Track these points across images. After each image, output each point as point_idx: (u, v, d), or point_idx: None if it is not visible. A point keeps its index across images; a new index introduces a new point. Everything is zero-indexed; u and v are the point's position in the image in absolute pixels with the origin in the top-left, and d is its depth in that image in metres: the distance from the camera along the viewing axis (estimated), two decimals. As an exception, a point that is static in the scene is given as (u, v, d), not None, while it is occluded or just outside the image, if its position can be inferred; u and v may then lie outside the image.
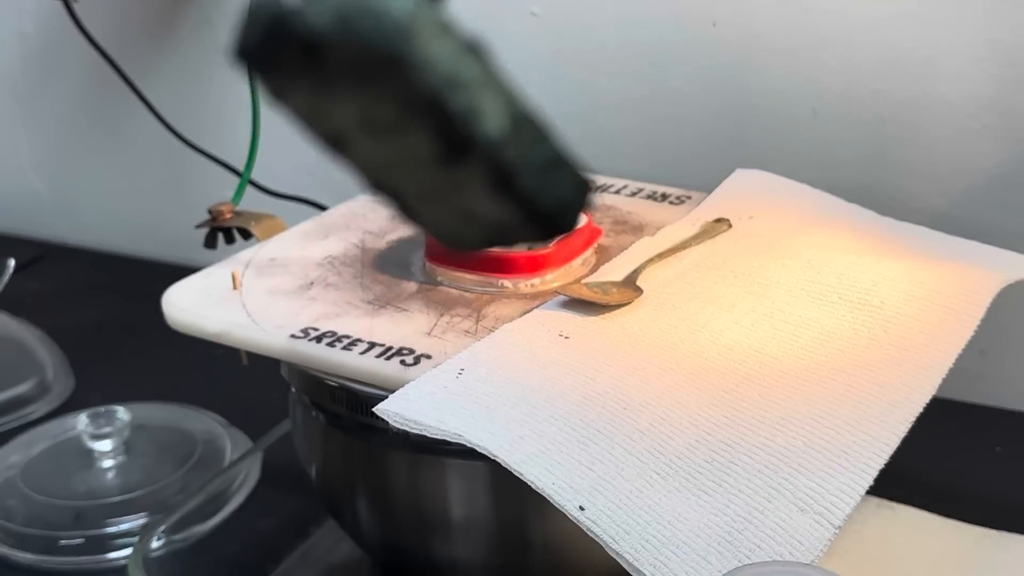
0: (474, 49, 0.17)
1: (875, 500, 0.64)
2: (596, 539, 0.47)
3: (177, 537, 0.62)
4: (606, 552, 0.47)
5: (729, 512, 0.48)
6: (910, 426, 0.51)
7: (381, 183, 0.20)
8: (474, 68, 0.17)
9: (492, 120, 0.17)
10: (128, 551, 0.64)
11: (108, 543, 0.67)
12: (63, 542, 0.67)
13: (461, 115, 0.17)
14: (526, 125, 0.17)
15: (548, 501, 0.47)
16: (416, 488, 0.56)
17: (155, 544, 0.60)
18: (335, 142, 0.19)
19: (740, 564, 0.39)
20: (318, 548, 0.66)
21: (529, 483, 0.47)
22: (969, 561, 0.62)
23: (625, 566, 0.47)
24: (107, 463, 0.72)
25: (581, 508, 0.47)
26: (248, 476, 0.69)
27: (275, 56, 0.18)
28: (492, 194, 0.18)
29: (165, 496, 0.69)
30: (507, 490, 0.52)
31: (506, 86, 0.17)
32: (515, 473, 0.47)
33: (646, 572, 0.46)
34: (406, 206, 0.20)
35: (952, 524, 0.64)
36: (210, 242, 0.70)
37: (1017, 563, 0.61)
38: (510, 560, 0.56)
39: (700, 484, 0.49)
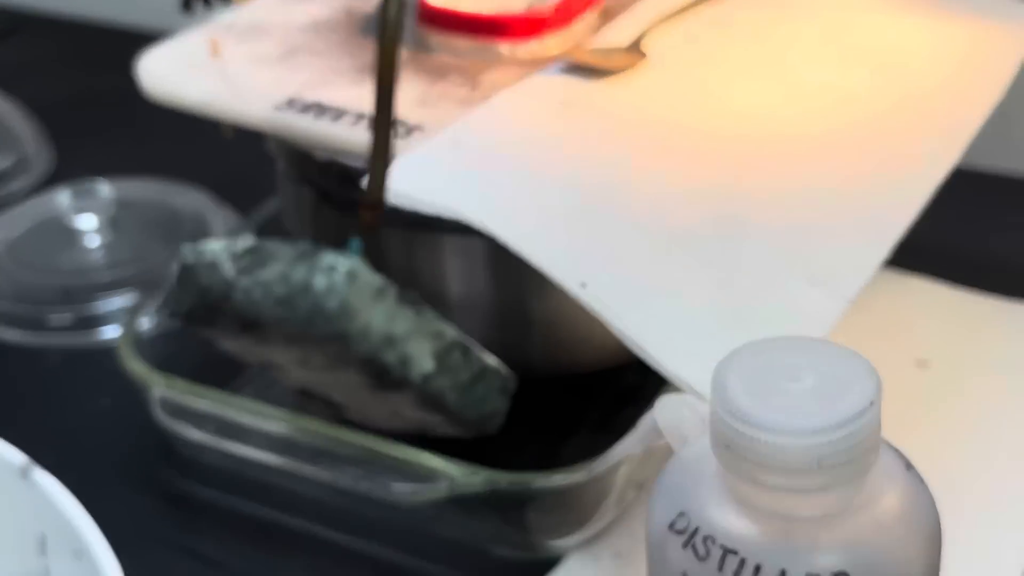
0: (406, 300, 0.15)
1: (888, 271, 0.62)
2: (598, 317, 0.45)
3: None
4: (609, 331, 0.45)
5: (737, 287, 0.46)
6: (929, 196, 0.49)
7: (312, 392, 0.18)
8: (407, 321, 0.17)
9: (422, 363, 0.17)
10: (118, 330, 0.62)
11: (98, 321, 0.66)
12: (52, 320, 0.66)
13: (395, 366, 0.15)
14: (451, 356, 0.19)
15: (548, 278, 0.45)
16: (411, 266, 0.54)
17: (145, 323, 0.59)
18: (267, 367, 0.18)
19: (748, 340, 0.37)
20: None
21: (528, 260, 0.45)
22: (984, 331, 0.60)
23: (628, 344, 0.45)
24: (93, 241, 0.70)
25: (583, 285, 0.45)
26: (239, 253, 0.67)
27: (209, 322, 0.16)
28: (421, 409, 0.17)
29: (154, 274, 0.67)
30: (506, 268, 0.51)
31: (434, 326, 0.17)
32: (514, 250, 0.45)
33: (649, 350, 0.44)
34: (337, 406, 0.18)
35: (967, 295, 0.62)
36: (186, 5, 0.66)
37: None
38: (509, 339, 0.55)
39: (707, 259, 0.47)
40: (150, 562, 0.52)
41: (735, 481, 0.35)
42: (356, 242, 0.17)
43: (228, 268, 0.17)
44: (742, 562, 0.34)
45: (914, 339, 0.59)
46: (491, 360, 0.18)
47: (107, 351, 0.62)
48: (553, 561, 0.51)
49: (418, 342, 0.18)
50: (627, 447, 0.47)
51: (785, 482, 0.34)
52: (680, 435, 0.42)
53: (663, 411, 0.43)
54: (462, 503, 0.50)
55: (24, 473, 0.45)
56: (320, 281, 0.17)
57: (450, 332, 0.18)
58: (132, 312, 0.60)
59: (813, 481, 0.34)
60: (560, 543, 0.51)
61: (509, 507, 0.50)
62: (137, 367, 0.55)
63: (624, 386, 0.57)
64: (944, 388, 0.57)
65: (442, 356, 0.18)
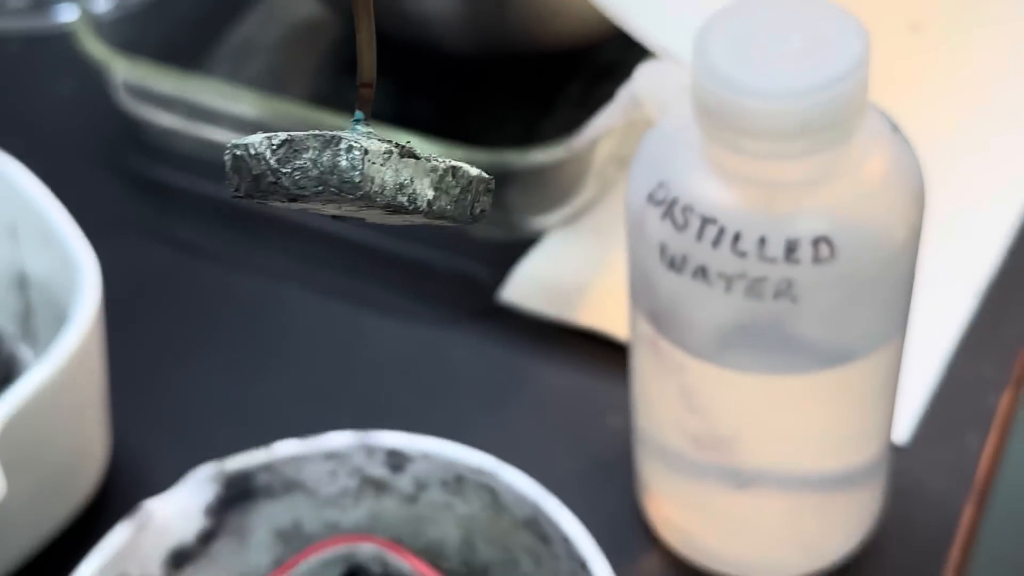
0: (406, 153, 0.23)
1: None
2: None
3: (128, -4, 0.58)
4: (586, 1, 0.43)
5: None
6: None
7: (343, 217, 0.25)
8: (409, 169, 0.23)
9: (426, 194, 0.23)
10: (76, 11, 0.59)
11: (54, 5, 0.63)
12: (6, 2, 0.63)
13: (406, 203, 0.23)
14: (444, 180, 0.24)
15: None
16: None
17: (103, 3, 0.56)
18: (309, 211, 0.24)
19: (732, 2, 0.35)
20: (280, 6, 0.62)
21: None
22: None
23: (607, 13, 0.43)
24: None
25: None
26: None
27: (263, 198, 0.23)
28: (428, 220, 0.24)
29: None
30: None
31: (429, 164, 0.23)
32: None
33: (628, 17, 0.42)
34: (362, 220, 0.25)
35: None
36: None
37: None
38: (484, 14, 0.53)
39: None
40: (124, 247, 0.52)
41: (716, 149, 0.34)
42: (359, 114, 0.24)
43: (271, 158, 0.22)
44: (721, 231, 0.34)
45: (907, 0, 0.57)
46: (473, 171, 0.25)
47: (67, 34, 0.59)
48: (533, 239, 0.51)
49: (420, 181, 0.23)
50: (606, 120, 0.46)
51: (768, 148, 0.33)
52: (660, 105, 0.41)
53: (643, 80, 0.42)
54: (439, 183, 0.49)
55: (-14, 159, 0.44)
56: (343, 161, 0.22)
57: (441, 163, 0.24)
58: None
59: (796, 146, 0.33)
60: (540, 221, 0.51)
61: (487, 186, 0.50)
62: (97, 49, 0.53)
63: (604, 61, 0.55)
64: (936, 51, 0.55)
65: (438, 183, 0.24)
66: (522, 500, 0.36)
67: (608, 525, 0.43)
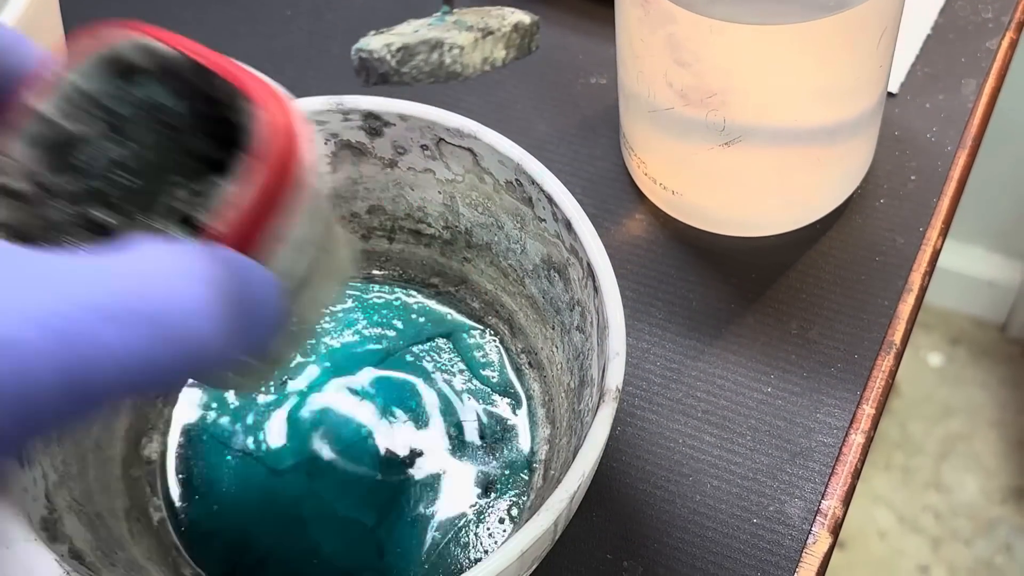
0: (487, 32, 0.28)
1: None
2: None
3: None
4: None
5: None
6: None
7: None
8: (490, 43, 0.28)
9: (500, 56, 0.29)
10: None
11: None
12: None
13: (489, 70, 0.29)
14: (511, 39, 0.29)
15: None
16: None
17: None
18: None
19: None
20: None
21: None
22: None
23: None
24: None
25: None
26: None
27: (383, 84, 0.30)
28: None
29: None
30: None
31: (502, 31, 0.29)
32: None
33: None
34: None
35: None
36: None
37: None
38: None
39: None
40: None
41: None
42: (446, 7, 0.28)
43: (391, 60, 0.27)
44: None
45: None
46: (527, 19, 0.30)
47: None
48: None
49: (497, 49, 0.29)
50: None
51: None
52: None
53: None
54: None
55: None
56: (447, 59, 0.27)
57: (507, 25, 0.30)
58: None
59: None
60: None
61: None
62: None
63: None
64: None
65: (507, 44, 0.30)
66: (504, 162, 0.35)
67: (592, 186, 0.42)
